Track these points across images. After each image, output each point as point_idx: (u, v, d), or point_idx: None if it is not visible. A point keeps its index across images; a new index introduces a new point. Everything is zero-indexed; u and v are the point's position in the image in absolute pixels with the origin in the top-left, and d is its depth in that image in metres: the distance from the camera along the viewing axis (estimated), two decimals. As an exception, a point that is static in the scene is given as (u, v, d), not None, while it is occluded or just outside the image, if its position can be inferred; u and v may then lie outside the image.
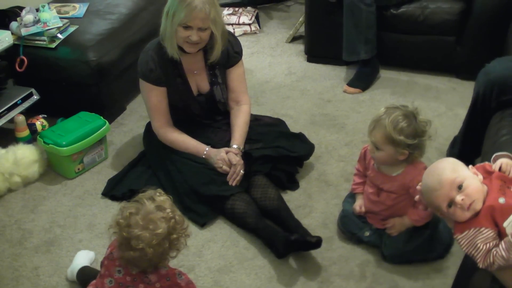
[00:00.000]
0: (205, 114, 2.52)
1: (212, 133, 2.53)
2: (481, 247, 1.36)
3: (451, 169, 1.44)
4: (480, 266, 1.37)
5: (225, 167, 2.32)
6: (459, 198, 1.39)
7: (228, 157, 2.32)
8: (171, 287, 1.63)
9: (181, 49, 2.35)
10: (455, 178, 1.42)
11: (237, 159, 2.32)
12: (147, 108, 2.49)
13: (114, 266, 1.64)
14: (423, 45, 3.20)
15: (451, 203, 1.41)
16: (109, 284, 1.64)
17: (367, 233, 2.13)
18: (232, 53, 2.46)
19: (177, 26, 2.25)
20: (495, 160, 1.50)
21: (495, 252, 1.34)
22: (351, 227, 2.17)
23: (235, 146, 2.38)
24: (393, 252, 2.06)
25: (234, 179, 2.30)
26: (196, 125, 2.51)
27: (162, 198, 1.60)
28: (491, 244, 1.36)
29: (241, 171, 2.31)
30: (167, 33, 2.30)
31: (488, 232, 1.37)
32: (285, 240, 2.05)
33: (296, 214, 2.28)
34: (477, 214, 1.40)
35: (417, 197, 1.56)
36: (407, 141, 1.91)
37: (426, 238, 2.04)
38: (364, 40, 3.10)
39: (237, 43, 2.50)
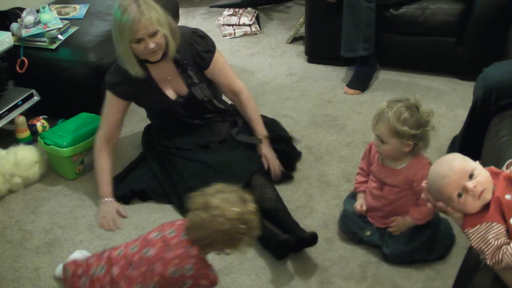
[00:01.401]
0: (190, 114, 2.50)
1: (207, 131, 2.52)
2: (492, 242, 1.35)
3: (462, 158, 1.44)
4: (488, 262, 1.36)
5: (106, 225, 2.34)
6: (471, 184, 1.38)
7: (271, 162, 2.45)
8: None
9: (148, 61, 2.35)
10: (467, 166, 1.41)
11: (274, 164, 2.46)
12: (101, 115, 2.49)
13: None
14: (424, 46, 3.20)
15: (462, 192, 1.40)
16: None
17: (368, 233, 2.13)
18: (202, 53, 2.44)
19: (130, 44, 2.25)
20: (508, 166, 1.50)
21: (505, 250, 1.33)
22: (352, 226, 2.17)
23: (260, 137, 2.49)
24: (394, 252, 2.07)
25: (276, 173, 2.47)
26: (189, 129, 2.51)
27: (249, 196, 1.72)
28: (502, 240, 1.35)
29: (276, 165, 2.47)
30: (123, 56, 2.30)
31: (499, 228, 1.36)
32: (276, 243, 2.07)
33: (297, 214, 2.28)
34: (486, 208, 1.39)
35: (423, 194, 1.54)
36: (411, 132, 1.91)
37: (427, 238, 2.05)
38: (363, 37, 3.09)
39: (205, 41, 2.47)
